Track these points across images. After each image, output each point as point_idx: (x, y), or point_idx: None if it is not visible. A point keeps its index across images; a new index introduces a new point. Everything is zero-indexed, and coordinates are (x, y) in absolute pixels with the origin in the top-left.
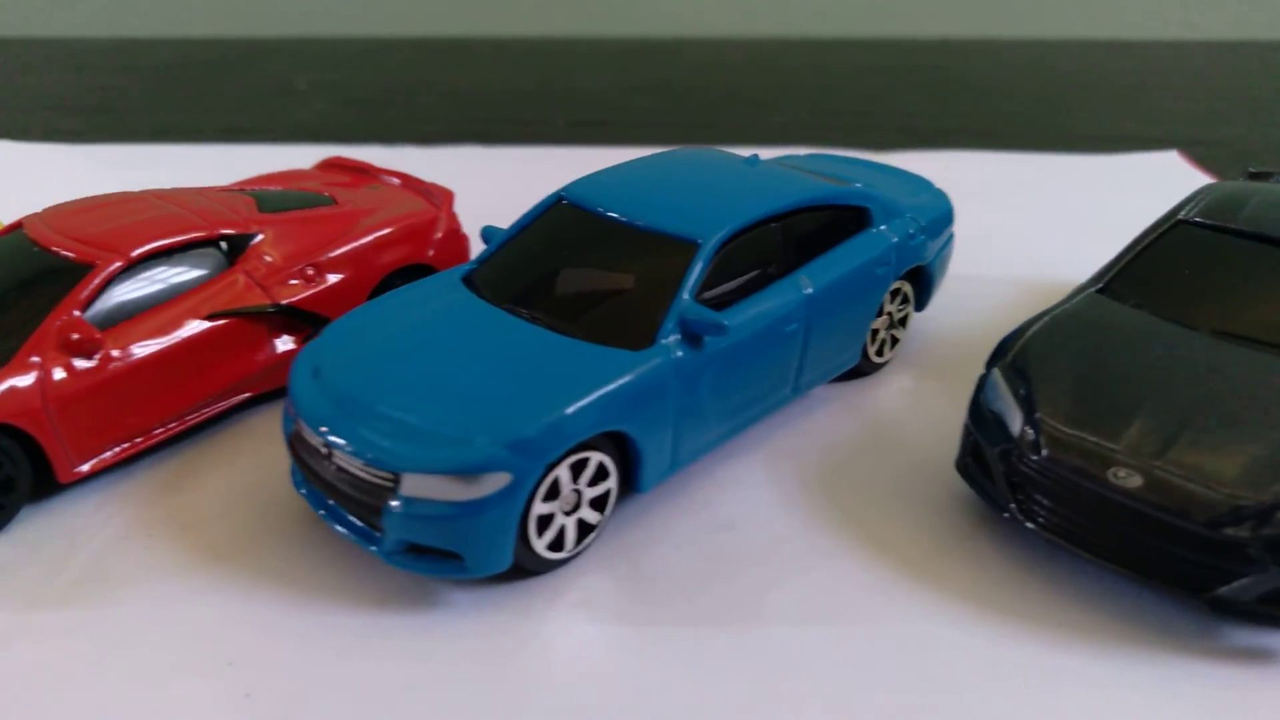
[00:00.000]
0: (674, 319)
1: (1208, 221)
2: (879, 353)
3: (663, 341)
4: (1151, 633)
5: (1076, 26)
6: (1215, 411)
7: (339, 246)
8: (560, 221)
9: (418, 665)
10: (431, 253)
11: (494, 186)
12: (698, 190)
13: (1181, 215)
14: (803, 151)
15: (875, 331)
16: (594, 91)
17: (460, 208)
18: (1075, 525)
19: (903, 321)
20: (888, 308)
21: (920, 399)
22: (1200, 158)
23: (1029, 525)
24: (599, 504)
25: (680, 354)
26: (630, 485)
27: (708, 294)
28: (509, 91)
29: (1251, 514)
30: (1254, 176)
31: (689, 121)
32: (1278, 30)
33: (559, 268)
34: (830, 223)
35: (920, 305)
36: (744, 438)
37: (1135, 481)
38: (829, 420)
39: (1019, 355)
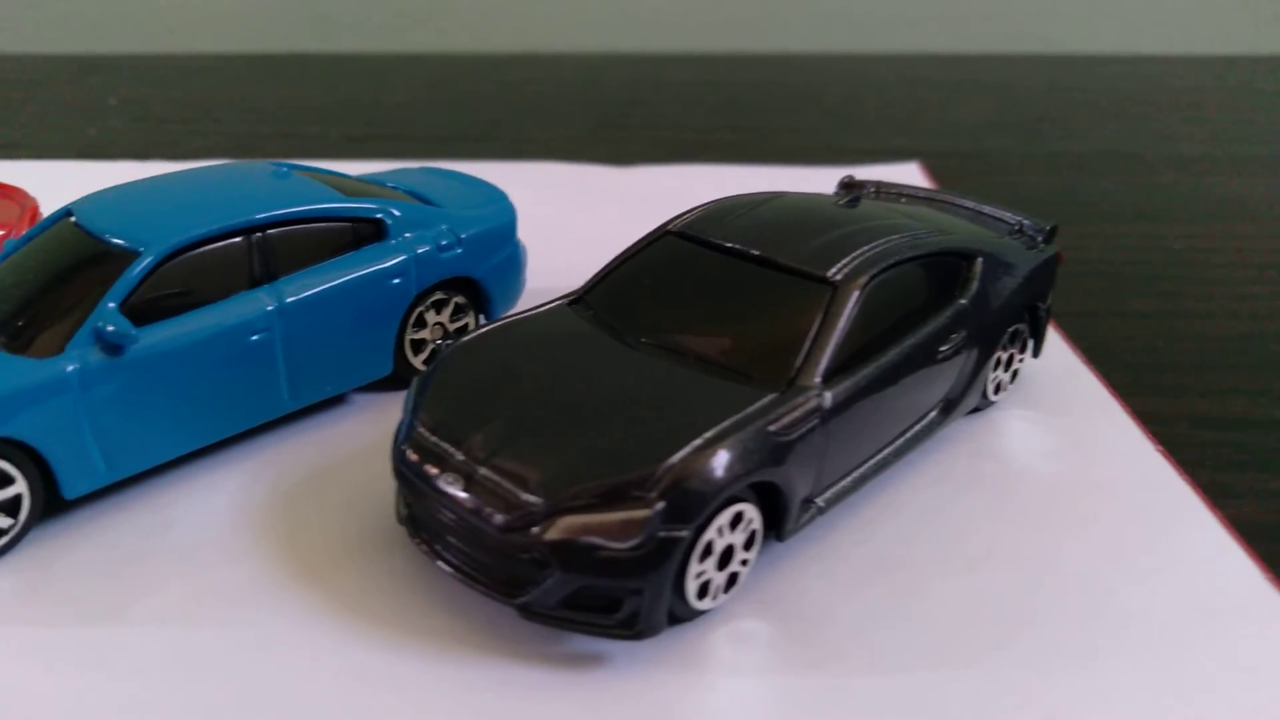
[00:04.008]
0: (88, 328)
1: (689, 232)
2: (427, 363)
3: (72, 350)
4: (494, 639)
5: (894, 40)
6: (563, 419)
7: None
8: (56, 237)
9: None
10: None
11: None
12: (181, 202)
13: (671, 226)
14: (545, 162)
15: (424, 342)
16: (395, 106)
17: None
18: (429, 530)
19: (461, 332)
20: (436, 319)
21: None
22: (951, 169)
23: (408, 532)
24: (11, 509)
25: (95, 362)
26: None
27: (167, 302)
28: (309, 106)
29: (539, 518)
30: (846, 187)
31: (467, 135)
32: (1083, 44)
33: (32, 282)
34: (331, 234)
35: (490, 316)
36: (252, 442)
37: (458, 486)
38: (351, 427)
39: (436, 363)
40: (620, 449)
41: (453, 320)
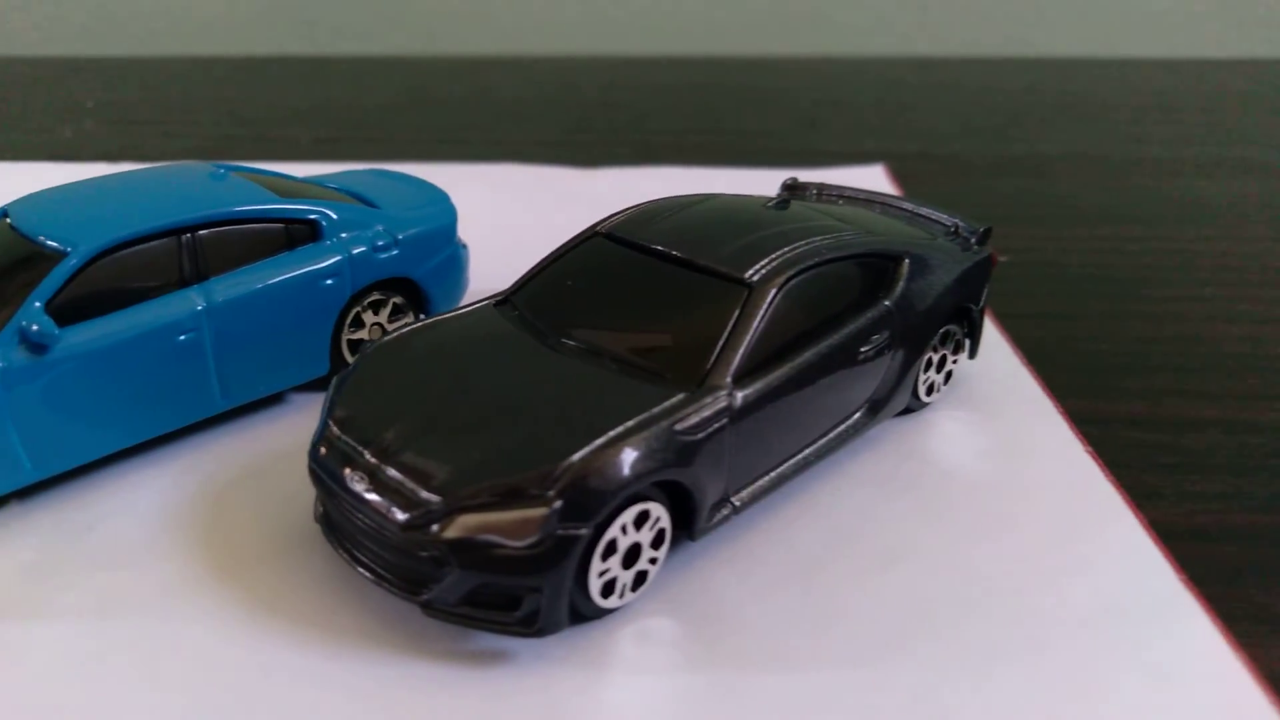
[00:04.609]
0: (13, 327)
1: (616, 234)
2: None
3: None
4: (402, 636)
5: (872, 44)
6: (472, 419)
7: None
8: None
9: None
10: None
11: None
12: (113, 204)
13: (600, 227)
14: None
15: (362, 342)
16: (372, 109)
17: None
18: (340, 528)
19: None
20: (375, 319)
21: None
22: (917, 172)
23: (323, 531)
24: None
25: (19, 361)
26: None
27: (96, 301)
28: (287, 109)
29: (438, 516)
30: (789, 188)
31: (439, 137)
32: (1062, 47)
33: None
34: (264, 235)
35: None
36: (185, 441)
37: (363, 484)
38: (287, 426)
39: (354, 363)
40: (523, 448)
41: (392, 321)
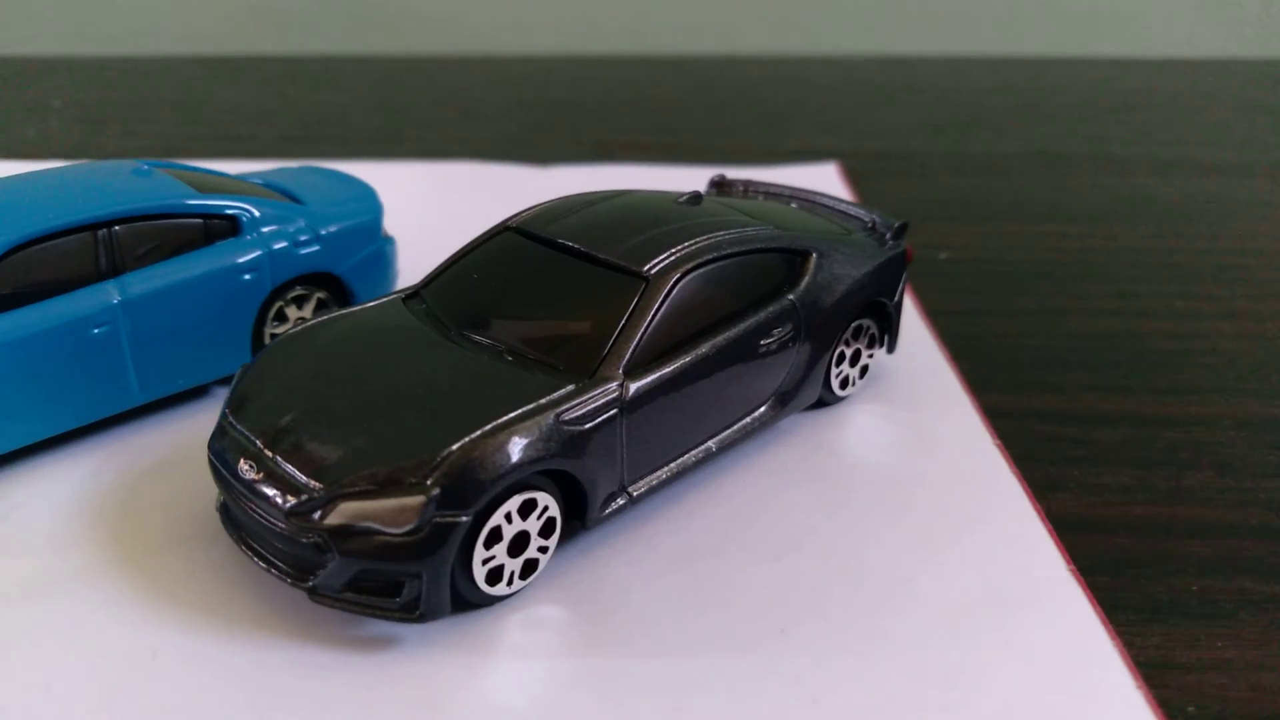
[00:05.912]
0: None
1: (525, 228)
2: None
3: None
4: (293, 623)
5: (842, 42)
6: (362, 409)
7: None
8: None
9: None
10: None
11: None
12: (31, 199)
13: (510, 221)
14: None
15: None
16: (334, 107)
17: None
18: (234, 516)
19: None
20: (298, 314)
21: None
22: (871, 170)
23: (221, 519)
24: None
25: None
26: None
27: (8, 295)
28: (252, 107)
29: (319, 503)
30: (716, 185)
31: (395, 136)
32: (1032, 46)
33: None
34: (182, 230)
35: None
36: (105, 433)
37: (253, 472)
38: (208, 418)
39: (258, 355)
40: (407, 436)
41: (316, 315)
